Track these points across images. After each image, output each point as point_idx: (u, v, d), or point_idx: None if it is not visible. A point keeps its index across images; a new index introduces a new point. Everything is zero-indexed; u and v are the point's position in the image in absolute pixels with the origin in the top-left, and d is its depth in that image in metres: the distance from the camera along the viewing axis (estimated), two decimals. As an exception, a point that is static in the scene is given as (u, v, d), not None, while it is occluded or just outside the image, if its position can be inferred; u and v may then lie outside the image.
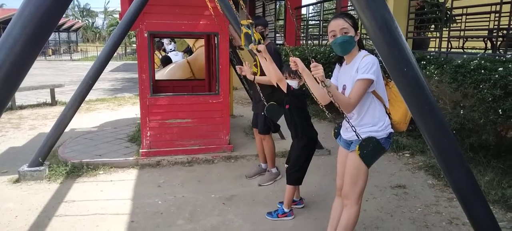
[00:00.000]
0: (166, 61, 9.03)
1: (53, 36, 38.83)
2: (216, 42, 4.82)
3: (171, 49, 13.47)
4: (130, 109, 8.43)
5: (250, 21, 3.10)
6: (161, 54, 10.96)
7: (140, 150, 4.78)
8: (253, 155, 4.87)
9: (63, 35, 40.95)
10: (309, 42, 11.54)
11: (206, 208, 3.52)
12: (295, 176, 3.24)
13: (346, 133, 2.48)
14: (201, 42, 7.82)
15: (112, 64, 23.51)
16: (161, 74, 8.06)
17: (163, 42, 13.62)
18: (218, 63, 4.79)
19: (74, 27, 42.17)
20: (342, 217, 2.49)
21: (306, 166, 3.26)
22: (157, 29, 4.78)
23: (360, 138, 2.32)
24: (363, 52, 2.31)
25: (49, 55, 31.79)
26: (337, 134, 2.66)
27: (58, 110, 7.71)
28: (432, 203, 3.53)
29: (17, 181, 4.10)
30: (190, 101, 4.86)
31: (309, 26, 12.86)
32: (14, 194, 3.81)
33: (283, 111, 3.37)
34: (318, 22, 12.71)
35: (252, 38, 3.06)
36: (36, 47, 1.76)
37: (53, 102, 8.88)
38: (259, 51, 3.04)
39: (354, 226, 2.47)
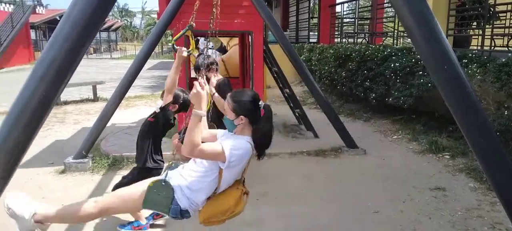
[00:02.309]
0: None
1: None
2: (250, 40, 4.87)
3: (210, 47, 13.73)
4: (166, 106, 8.65)
5: (193, 24, 2.94)
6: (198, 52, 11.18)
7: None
8: (286, 153, 4.88)
9: (104, 34, 42.58)
10: (344, 40, 11.39)
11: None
12: None
13: (169, 171, 2.25)
14: (235, 40, 7.92)
15: (149, 63, 24.19)
16: (197, 72, 8.24)
17: (198, 40, 13.90)
18: (252, 61, 4.83)
19: (113, 27, 43.76)
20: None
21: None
22: (194, 28, 4.89)
23: (166, 178, 2.16)
24: (248, 138, 2.10)
25: (91, 54, 33.14)
26: (171, 167, 2.35)
27: (99, 106, 8.05)
28: (473, 207, 3.40)
29: (62, 172, 4.34)
30: (225, 99, 4.94)
31: (344, 24, 12.66)
32: (60, 184, 4.04)
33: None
34: (353, 20, 12.48)
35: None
36: (84, 45, 1.86)
37: (95, 99, 9.28)
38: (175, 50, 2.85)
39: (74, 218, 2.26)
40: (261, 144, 2.11)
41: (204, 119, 2.14)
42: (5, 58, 18.07)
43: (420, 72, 5.27)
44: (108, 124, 5.86)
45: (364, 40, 11.61)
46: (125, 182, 2.82)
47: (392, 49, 6.30)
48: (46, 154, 5.08)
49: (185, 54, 2.77)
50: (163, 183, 2.11)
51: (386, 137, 5.76)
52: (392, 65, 5.84)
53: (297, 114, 6.17)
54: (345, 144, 5.01)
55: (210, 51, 12.18)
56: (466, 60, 4.75)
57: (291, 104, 6.15)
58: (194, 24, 2.85)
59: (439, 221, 3.16)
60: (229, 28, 4.94)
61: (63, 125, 6.76)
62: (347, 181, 4.06)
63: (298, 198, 3.69)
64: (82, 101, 9.17)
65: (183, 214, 2.14)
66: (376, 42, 10.63)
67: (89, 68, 20.13)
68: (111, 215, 2.10)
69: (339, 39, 12.30)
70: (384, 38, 11.10)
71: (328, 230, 3.10)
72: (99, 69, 18.93)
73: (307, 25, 15.16)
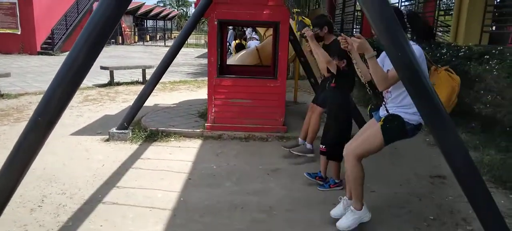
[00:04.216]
0: (240, 48, 9.75)
1: (152, 23, 42.69)
2: (277, 30, 5.26)
3: (256, 38, 14.28)
4: (206, 91, 9.27)
5: (297, 9, 3.50)
6: (242, 43, 11.72)
7: (206, 124, 5.46)
8: (305, 136, 5.23)
9: (160, 23, 44.70)
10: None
11: (252, 176, 4.03)
12: (339, 151, 3.40)
13: (383, 111, 2.75)
14: (271, 31, 8.29)
15: (198, 51, 25.27)
16: (233, 59, 8.77)
17: (245, 32, 14.51)
18: (277, 50, 5.23)
19: (169, 16, 45.74)
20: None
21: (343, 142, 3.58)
22: (226, 18, 5.35)
23: (388, 112, 2.62)
24: (411, 42, 2.45)
25: (147, 41, 35.06)
26: (372, 110, 2.94)
27: (146, 88, 8.84)
28: (468, 194, 3.57)
29: (107, 140, 5.06)
30: (251, 84, 5.39)
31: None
32: (103, 149, 4.74)
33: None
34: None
35: (296, 24, 3.46)
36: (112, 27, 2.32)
37: (144, 81, 10.14)
38: (304, 36, 3.45)
39: (357, 180, 2.79)
40: (424, 37, 2.56)
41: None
42: (70, 42, 19.84)
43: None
44: (151, 104, 6.60)
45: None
46: (336, 137, 3.52)
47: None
48: (96, 125, 5.86)
49: (310, 32, 3.39)
50: (390, 117, 2.59)
51: (407, 129, 5.90)
52: (419, 59, 5.92)
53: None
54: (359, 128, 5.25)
55: (253, 42, 12.67)
56: (487, 57, 4.78)
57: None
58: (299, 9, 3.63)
59: (428, 203, 3.40)
60: (259, 19, 5.35)
61: (113, 103, 7.61)
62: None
63: (305, 175, 4.04)
64: (132, 83, 10.09)
65: (418, 128, 2.63)
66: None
67: (144, 54, 21.53)
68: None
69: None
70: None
71: (322, 203, 3.45)
72: (152, 55, 20.15)
73: (352, 18, 15.10)
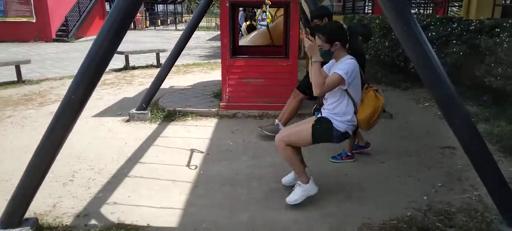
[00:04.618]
0: (251, 29, 9.85)
1: (162, 8, 42.74)
2: (288, 10, 5.35)
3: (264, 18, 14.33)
4: (219, 72, 9.45)
5: (268, 2, 3.67)
6: (253, 24, 11.81)
7: (221, 104, 5.65)
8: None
9: (170, 7, 44.66)
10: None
11: (267, 151, 4.21)
12: None
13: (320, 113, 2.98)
14: (282, 11, 8.36)
15: (209, 34, 25.37)
16: (245, 40, 8.89)
17: (255, 13, 14.55)
18: (288, 30, 5.34)
19: (179, 0, 45.64)
20: None
21: None
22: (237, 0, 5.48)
23: (322, 115, 2.85)
24: (349, 56, 2.74)
25: (158, 26, 35.22)
26: (317, 109, 3.17)
27: (161, 71, 9.04)
28: (476, 163, 3.70)
29: (128, 120, 5.29)
30: (263, 64, 5.52)
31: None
32: (125, 129, 4.98)
33: None
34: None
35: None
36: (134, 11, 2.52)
37: (158, 65, 10.36)
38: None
39: (289, 159, 2.96)
40: (359, 58, 2.75)
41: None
42: (84, 29, 20.16)
43: (454, 41, 5.40)
44: (167, 86, 6.80)
45: (425, 11, 11.41)
46: None
47: (432, 19, 6.37)
48: (115, 107, 6.10)
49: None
50: (322, 119, 2.83)
51: (418, 104, 5.99)
52: (429, 34, 5.98)
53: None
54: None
55: (264, 22, 12.74)
56: (498, 29, 4.81)
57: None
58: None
59: (437, 171, 3.55)
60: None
61: (130, 86, 7.85)
62: (366, 138, 4.49)
63: (316, 147, 4.19)
64: (147, 66, 10.32)
65: (345, 136, 2.85)
66: (438, 13, 10.41)
67: (156, 38, 21.76)
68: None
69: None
70: (440, 8, 10.82)
71: (334, 174, 3.63)
72: (164, 40, 20.36)
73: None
